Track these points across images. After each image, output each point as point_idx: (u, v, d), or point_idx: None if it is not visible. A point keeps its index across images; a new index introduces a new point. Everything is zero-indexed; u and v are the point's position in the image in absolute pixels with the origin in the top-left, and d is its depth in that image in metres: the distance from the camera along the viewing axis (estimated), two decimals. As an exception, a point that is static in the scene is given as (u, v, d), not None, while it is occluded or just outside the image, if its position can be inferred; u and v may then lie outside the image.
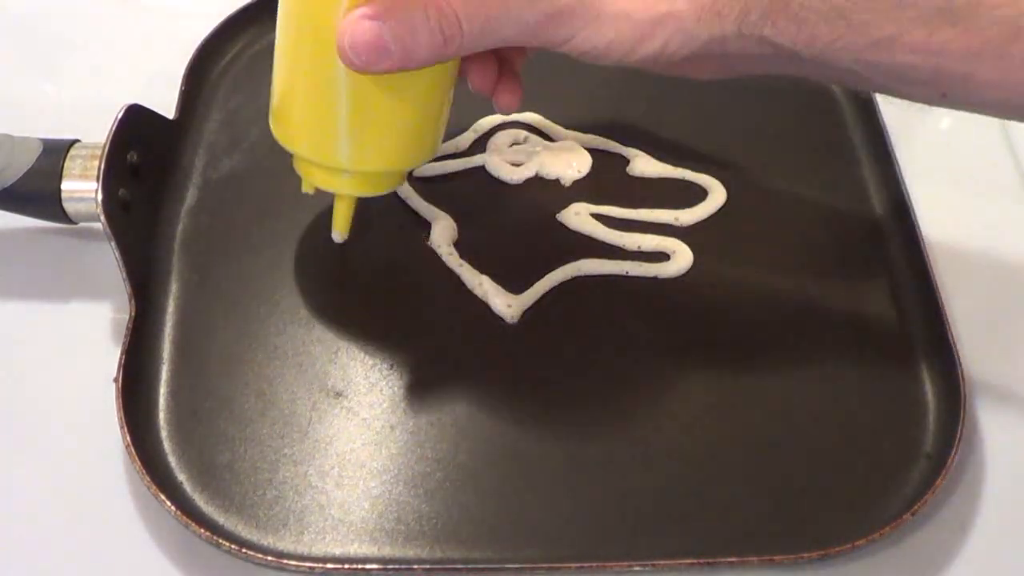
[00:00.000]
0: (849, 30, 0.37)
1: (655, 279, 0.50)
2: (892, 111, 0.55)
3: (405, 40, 0.37)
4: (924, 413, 0.45)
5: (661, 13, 0.39)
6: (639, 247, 0.51)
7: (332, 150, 0.43)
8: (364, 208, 0.50)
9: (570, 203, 0.52)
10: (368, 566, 0.40)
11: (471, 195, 0.53)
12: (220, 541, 0.39)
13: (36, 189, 0.46)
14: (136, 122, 0.48)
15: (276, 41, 0.42)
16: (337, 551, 0.40)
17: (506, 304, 0.48)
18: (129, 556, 0.41)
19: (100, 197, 0.45)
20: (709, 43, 0.39)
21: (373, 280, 0.49)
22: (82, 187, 0.46)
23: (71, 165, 0.46)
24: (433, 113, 0.44)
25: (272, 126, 0.45)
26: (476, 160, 0.54)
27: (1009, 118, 0.43)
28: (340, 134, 0.42)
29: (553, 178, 0.53)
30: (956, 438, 0.43)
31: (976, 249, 0.52)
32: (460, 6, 0.37)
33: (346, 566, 0.40)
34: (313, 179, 0.45)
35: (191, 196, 0.52)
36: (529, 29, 0.39)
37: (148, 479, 0.40)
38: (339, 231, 0.48)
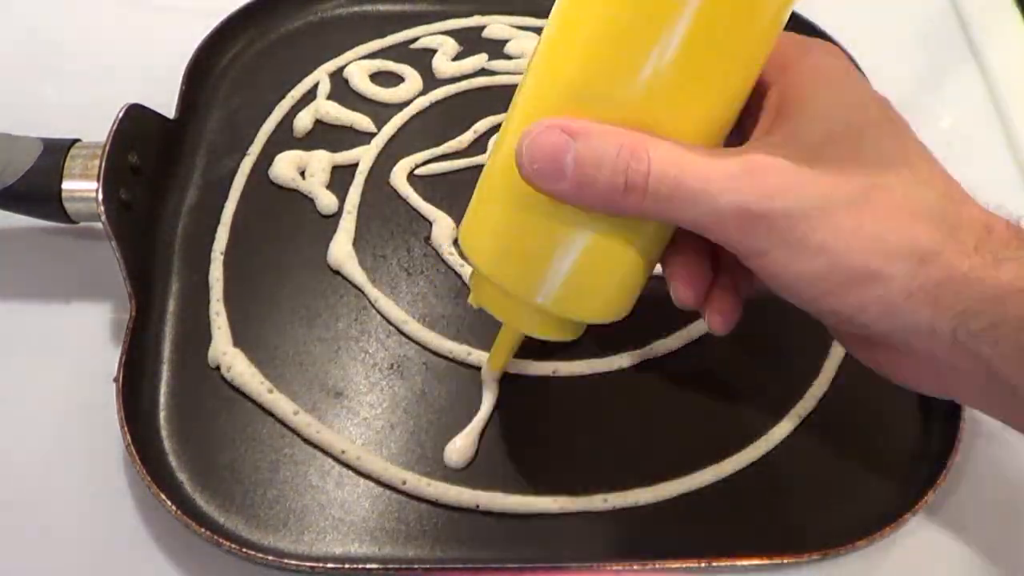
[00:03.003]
0: None
1: (655, 278, 0.49)
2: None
3: (586, 168, 0.32)
4: (924, 413, 0.45)
5: (869, 270, 0.32)
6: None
7: (529, 285, 0.37)
8: (365, 209, 0.51)
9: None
10: (368, 566, 0.40)
11: (471, 195, 0.52)
12: (220, 541, 0.39)
13: (36, 189, 0.46)
14: (136, 122, 0.48)
15: (494, 151, 0.37)
16: (337, 551, 0.40)
17: (506, 304, 0.48)
18: (129, 556, 0.41)
19: (100, 197, 0.45)
20: (914, 333, 0.33)
21: (373, 280, 0.49)
22: (82, 187, 0.46)
23: (71, 165, 0.46)
24: (639, 273, 0.37)
25: (463, 234, 0.39)
26: (476, 160, 0.54)
27: None
28: (545, 271, 0.36)
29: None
30: (956, 438, 0.43)
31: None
32: (657, 163, 0.32)
33: (346, 566, 0.40)
34: (489, 303, 0.39)
35: (191, 196, 0.52)
36: (721, 220, 0.33)
37: (148, 479, 0.40)
38: (494, 368, 0.44)
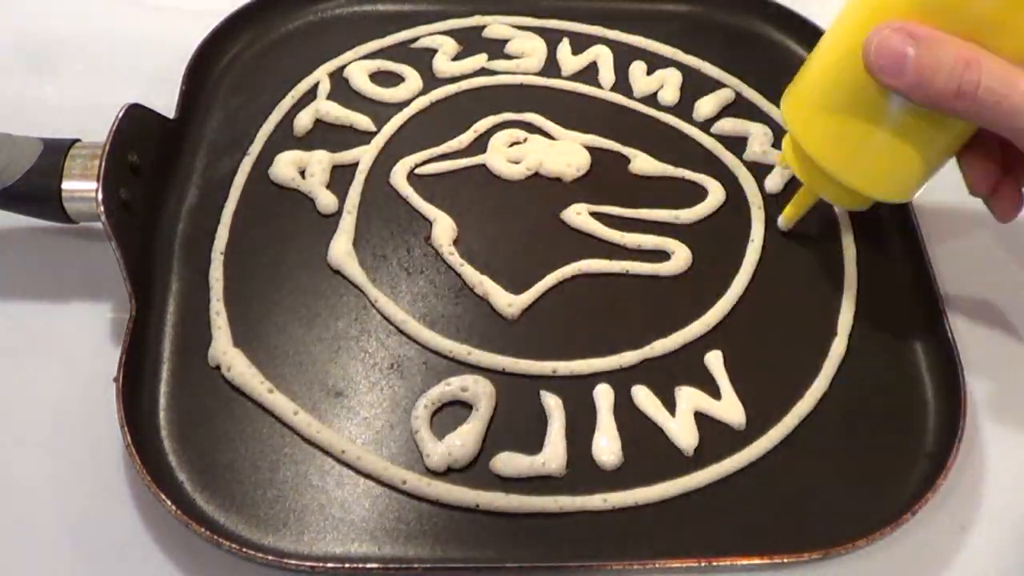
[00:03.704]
0: None
1: (655, 278, 0.50)
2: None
3: (924, 69, 0.38)
4: (924, 413, 0.45)
5: None
6: (639, 246, 0.51)
7: (839, 161, 0.43)
8: (365, 209, 0.51)
9: (570, 202, 0.52)
10: (368, 565, 0.40)
11: (471, 195, 0.53)
12: (220, 540, 0.39)
13: (36, 189, 0.46)
14: (136, 122, 0.48)
15: (836, 45, 0.43)
16: (337, 550, 0.40)
17: (507, 303, 0.48)
18: (129, 556, 0.41)
19: (100, 197, 0.45)
20: None
21: (373, 280, 0.49)
22: (82, 187, 0.46)
23: (71, 165, 0.46)
24: (934, 164, 0.43)
25: (788, 99, 0.45)
26: (476, 159, 0.54)
27: None
28: (857, 151, 0.43)
29: (553, 177, 0.53)
30: (956, 438, 0.43)
31: (977, 248, 0.52)
32: (988, 73, 0.38)
33: (346, 565, 0.40)
34: (796, 165, 0.46)
35: (191, 196, 0.52)
36: None
37: (148, 479, 0.40)
38: (787, 221, 0.51)
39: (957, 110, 0.39)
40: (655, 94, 0.58)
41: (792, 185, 0.53)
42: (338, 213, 0.51)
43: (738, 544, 0.41)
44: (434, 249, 0.50)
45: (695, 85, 0.59)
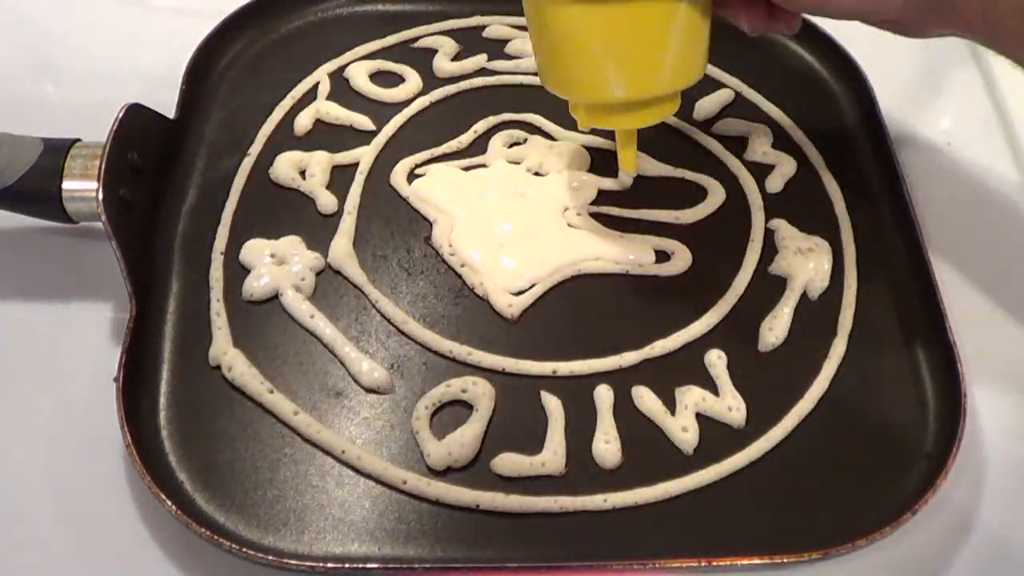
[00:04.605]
0: None
1: (655, 278, 0.50)
2: (893, 109, 0.55)
3: None
4: (924, 413, 0.45)
5: None
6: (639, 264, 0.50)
7: (600, 85, 0.44)
8: (365, 209, 0.51)
9: (570, 202, 0.52)
10: (368, 565, 0.40)
11: (471, 195, 0.53)
12: (220, 540, 0.39)
13: (37, 188, 0.46)
14: (136, 122, 0.48)
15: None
16: (337, 550, 0.40)
17: (507, 303, 0.48)
18: (129, 556, 0.41)
19: (101, 196, 0.45)
20: None
21: (373, 280, 0.49)
22: (83, 186, 0.46)
23: (72, 164, 0.46)
24: (694, 29, 0.43)
25: (544, 81, 0.45)
26: (476, 160, 0.54)
27: None
28: (606, 67, 0.43)
29: (553, 178, 0.53)
30: (956, 438, 0.43)
31: (977, 248, 0.52)
32: None
33: (346, 565, 0.40)
34: (590, 119, 0.46)
35: (191, 196, 0.52)
36: None
37: (148, 479, 0.40)
38: (627, 169, 0.50)
39: None
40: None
41: (792, 185, 0.54)
42: (338, 213, 0.51)
43: (738, 544, 0.41)
44: (434, 250, 0.50)
45: (695, 85, 0.58)
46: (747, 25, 0.44)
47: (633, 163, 0.49)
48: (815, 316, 0.48)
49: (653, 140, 0.55)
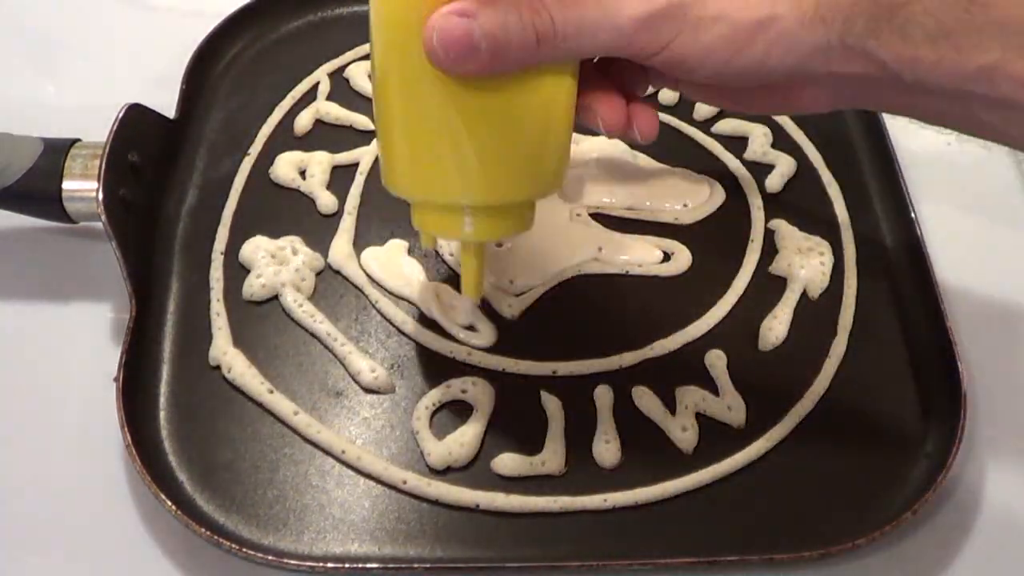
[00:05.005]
0: (952, 51, 0.34)
1: (655, 278, 0.50)
2: (897, 124, 0.54)
3: (496, 38, 0.35)
4: (924, 413, 0.45)
5: (762, 16, 0.36)
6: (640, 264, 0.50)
7: (447, 184, 0.38)
8: (365, 209, 0.51)
9: (570, 203, 0.52)
10: (368, 565, 0.40)
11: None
12: (220, 540, 0.39)
13: (37, 188, 0.46)
14: (136, 122, 0.48)
15: (373, 78, 0.38)
16: (337, 550, 0.40)
17: (507, 304, 0.48)
18: (129, 556, 0.41)
19: (101, 196, 0.45)
20: (813, 54, 0.37)
21: (373, 279, 0.49)
22: (83, 186, 0.46)
23: (72, 164, 0.46)
24: (554, 134, 0.39)
25: (384, 178, 0.40)
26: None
27: None
28: (454, 164, 0.38)
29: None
30: (956, 438, 0.43)
31: (977, 248, 0.52)
32: (554, 7, 0.35)
33: (346, 565, 0.40)
34: (433, 228, 0.41)
35: (191, 196, 0.52)
36: (624, 35, 0.36)
37: (148, 479, 0.40)
38: (470, 294, 0.45)
39: (547, 56, 0.36)
40: (655, 94, 0.58)
41: (792, 185, 0.54)
42: (338, 213, 0.51)
43: (738, 544, 0.41)
44: (434, 249, 0.50)
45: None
46: (603, 121, 0.40)
47: (477, 287, 0.44)
48: (815, 316, 0.49)
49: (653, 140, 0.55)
